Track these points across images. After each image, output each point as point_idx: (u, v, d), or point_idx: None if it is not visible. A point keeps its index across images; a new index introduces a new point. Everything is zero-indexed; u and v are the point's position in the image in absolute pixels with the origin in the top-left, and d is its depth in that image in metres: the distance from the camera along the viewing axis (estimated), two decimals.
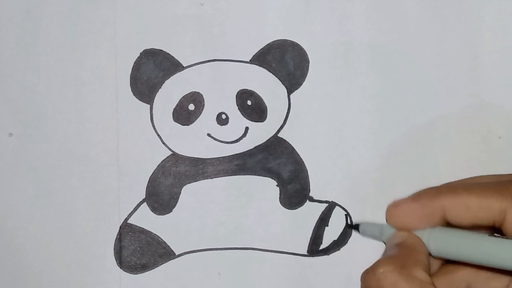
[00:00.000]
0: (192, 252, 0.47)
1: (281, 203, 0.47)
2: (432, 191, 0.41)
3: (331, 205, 0.47)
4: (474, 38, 0.47)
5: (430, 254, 0.40)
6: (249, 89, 0.47)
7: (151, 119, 0.47)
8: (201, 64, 0.47)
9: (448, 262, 0.42)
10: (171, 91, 0.47)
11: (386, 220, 0.43)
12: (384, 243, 0.42)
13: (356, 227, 0.46)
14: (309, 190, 0.47)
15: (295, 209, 0.47)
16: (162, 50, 0.47)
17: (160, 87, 0.47)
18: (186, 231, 0.47)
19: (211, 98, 0.47)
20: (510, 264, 0.37)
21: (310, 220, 0.47)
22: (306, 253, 0.47)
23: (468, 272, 0.42)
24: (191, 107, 0.47)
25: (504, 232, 0.38)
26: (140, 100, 0.47)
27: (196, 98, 0.47)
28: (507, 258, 0.37)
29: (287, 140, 0.47)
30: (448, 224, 0.40)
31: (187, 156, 0.47)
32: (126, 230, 0.47)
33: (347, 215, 0.47)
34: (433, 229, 0.40)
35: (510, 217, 0.38)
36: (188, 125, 0.47)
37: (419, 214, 0.40)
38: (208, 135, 0.47)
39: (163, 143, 0.47)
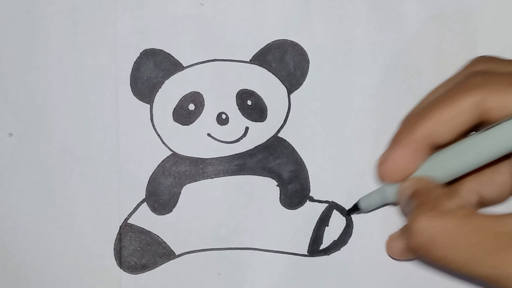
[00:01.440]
0: (192, 252, 0.47)
1: (281, 203, 0.47)
2: (405, 127, 0.40)
3: (331, 205, 0.47)
4: (474, 38, 0.47)
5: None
6: (249, 89, 0.47)
7: (151, 119, 0.47)
8: (201, 64, 0.47)
9: (448, 184, 0.42)
10: (171, 91, 0.47)
11: (381, 179, 0.43)
12: (392, 205, 0.42)
13: (356, 208, 0.45)
14: (309, 190, 0.47)
15: (295, 209, 0.47)
16: (162, 50, 0.47)
17: (160, 87, 0.47)
18: (186, 231, 0.47)
19: (211, 98, 0.47)
20: (508, 146, 0.36)
21: (310, 220, 0.47)
22: (306, 253, 0.47)
23: (471, 183, 0.42)
24: (191, 107, 0.47)
25: (490, 121, 0.38)
26: (140, 100, 0.47)
27: (196, 98, 0.47)
28: (503, 141, 0.36)
29: (287, 140, 0.47)
30: (438, 148, 0.40)
31: (187, 156, 0.47)
32: (126, 230, 0.47)
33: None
34: (428, 161, 0.40)
35: (488, 104, 0.37)
36: (188, 125, 0.47)
37: (408, 155, 0.40)
38: (208, 135, 0.47)
39: (163, 143, 0.47)
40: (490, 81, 0.37)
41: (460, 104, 0.38)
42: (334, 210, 0.47)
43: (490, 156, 0.38)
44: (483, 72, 0.39)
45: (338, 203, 0.47)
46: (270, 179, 0.47)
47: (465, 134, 0.39)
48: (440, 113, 0.38)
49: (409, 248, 0.38)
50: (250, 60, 0.47)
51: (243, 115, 0.47)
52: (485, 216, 0.36)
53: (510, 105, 0.36)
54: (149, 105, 0.47)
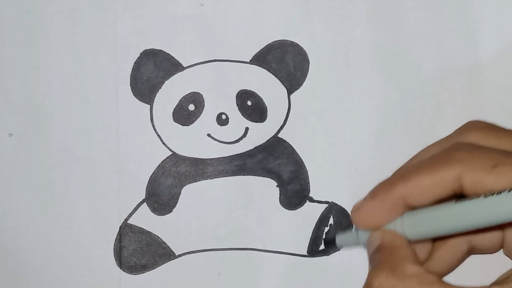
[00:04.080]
0: (192, 253, 0.47)
1: (281, 203, 0.47)
2: (385, 184, 0.41)
3: (331, 206, 0.47)
4: (474, 38, 0.47)
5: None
6: (249, 89, 0.47)
7: (151, 119, 0.47)
8: (201, 64, 0.47)
9: None
10: (171, 91, 0.47)
11: (355, 226, 0.43)
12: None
13: (334, 241, 0.46)
14: (309, 190, 0.47)
15: (295, 209, 0.47)
16: (162, 50, 0.47)
17: (160, 87, 0.47)
18: (186, 231, 0.47)
19: (211, 98, 0.47)
20: (486, 222, 0.37)
21: (310, 221, 0.47)
22: (306, 254, 0.47)
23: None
24: (191, 107, 0.47)
25: (467, 195, 0.38)
26: (140, 100, 0.47)
27: (196, 99, 0.47)
28: (482, 216, 0.37)
29: (287, 140, 0.47)
30: (414, 208, 0.40)
31: (187, 157, 0.47)
32: (126, 231, 0.47)
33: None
34: (402, 217, 0.40)
35: (466, 181, 0.38)
36: (188, 125, 0.47)
37: (382, 209, 0.40)
38: (208, 135, 0.47)
39: (163, 143, 0.47)
40: (473, 158, 0.38)
41: (438, 176, 0.38)
42: (334, 211, 0.47)
43: (459, 228, 0.38)
44: (470, 146, 0.39)
45: (338, 204, 0.47)
46: (270, 179, 0.47)
47: (441, 201, 0.40)
48: (418, 180, 0.39)
49: None
50: (250, 60, 0.47)
51: (243, 116, 0.47)
52: (444, 287, 0.37)
53: (488, 186, 0.37)
54: (149, 105, 0.47)
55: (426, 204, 0.39)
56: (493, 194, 0.36)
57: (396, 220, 0.41)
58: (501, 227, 0.42)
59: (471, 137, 0.41)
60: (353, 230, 0.45)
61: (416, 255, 0.39)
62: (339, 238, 0.46)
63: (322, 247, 0.47)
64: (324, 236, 0.47)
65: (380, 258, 0.39)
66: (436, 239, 0.43)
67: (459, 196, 0.39)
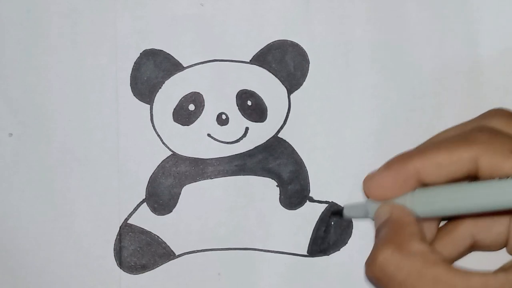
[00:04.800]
0: (192, 253, 0.47)
1: (281, 203, 0.47)
2: (402, 156, 0.41)
3: (331, 205, 0.47)
4: (474, 38, 0.47)
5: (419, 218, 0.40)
6: (249, 89, 0.47)
7: (151, 119, 0.47)
8: (201, 64, 0.47)
9: (445, 221, 0.43)
10: (171, 91, 0.47)
11: (365, 195, 0.43)
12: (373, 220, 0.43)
13: (340, 212, 0.46)
14: (309, 190, 0.47)
15: (295, 209, 0.47)
16: (162, 50, 0.47)
17: (160, 87, 0.47)
18: (186, 231, 0.47)
19: (211, 98, 0.47)
20: (499, 204, 0.37)
21: (310, 221, 0.47)
22: (306, 253, 0.47)
23: (468, 226, 0.42)
24: (191, 107, 0.47)
25: (481, 178, 0.38)
26: (140, 100, 0.47)
27: (196, 98, 0.47)
28: (495, 198, 0.37)
29: (287, 140, 0.47)
30: (426, 185, 0.40)
31: (187, 157, 0.47)
32: (126, 231, 0.47)
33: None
34: (413, 192, 0.40)
35: (482, 163, 0.38)
36: (188, 125, 0.47)
37: (395, 181, 0.40)
38: (208, 135, 0.47)
39: (163, 143, 0.47)
40: (493, 142, 0.38)
41: (456, 155, 0.39)
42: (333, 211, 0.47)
43: (470, 209, 0.38)
44: (491, 130, 0.40)
45: (338, 204, 0.47)
46: (270, 179, 0.47)
47: (454, 181, 0.40)
48: (435, 155, 0.39)
49: (367, 274, 0.39)
50: (250, 60, 0.47)
51: (243, 116, 0.47)
52: (448, 268, 0.36)
53: (504, 170, 0.37)
54: (149, 105, 0.47)
55: (439, 182, 0.39)
56: (508, 178, 0.36)
57: (406, 195, 0.40)
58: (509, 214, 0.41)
59: (493, 122, 0.41)
60: (362, 202, 0.45)
61: (423, 233, 0.39)
62: (347, 209, 0.45)
63: (322, 247, 0.47)
64: (323, 235, 0.47)
65: (387, 232, 0.39)
66: (440, 230, 0.43)
67: (472, 180, 0.39)
